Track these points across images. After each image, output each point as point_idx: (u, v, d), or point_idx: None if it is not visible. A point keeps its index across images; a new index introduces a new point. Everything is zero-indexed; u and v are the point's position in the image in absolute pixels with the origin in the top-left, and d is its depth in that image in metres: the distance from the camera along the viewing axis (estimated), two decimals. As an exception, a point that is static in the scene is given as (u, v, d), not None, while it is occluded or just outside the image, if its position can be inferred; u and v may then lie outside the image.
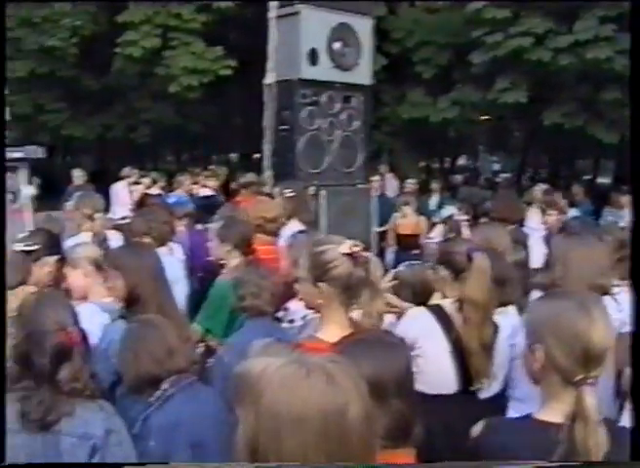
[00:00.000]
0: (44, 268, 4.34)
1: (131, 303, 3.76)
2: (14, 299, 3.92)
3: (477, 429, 2.32)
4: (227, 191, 13.20)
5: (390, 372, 2.22)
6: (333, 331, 2.87)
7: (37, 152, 8.50)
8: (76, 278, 4.36)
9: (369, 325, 2.90)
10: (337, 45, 9.08)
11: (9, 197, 9.14)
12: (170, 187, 13.92)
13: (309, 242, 3.14)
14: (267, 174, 9.16)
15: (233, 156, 33.83)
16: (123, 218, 8.59)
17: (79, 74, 21.59)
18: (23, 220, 8.18)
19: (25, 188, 8.71)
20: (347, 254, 2.90)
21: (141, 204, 7.77)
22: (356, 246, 2.94)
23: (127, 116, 22.65)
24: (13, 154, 8.30)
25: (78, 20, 20.08)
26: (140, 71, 19.52)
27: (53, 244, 4.57)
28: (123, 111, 22.59)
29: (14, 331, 3.00)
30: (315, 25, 8.86)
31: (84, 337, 2.94)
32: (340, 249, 2.90)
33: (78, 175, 14.48)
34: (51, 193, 14.44)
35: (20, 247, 4.22)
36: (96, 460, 2.80)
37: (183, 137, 26.47)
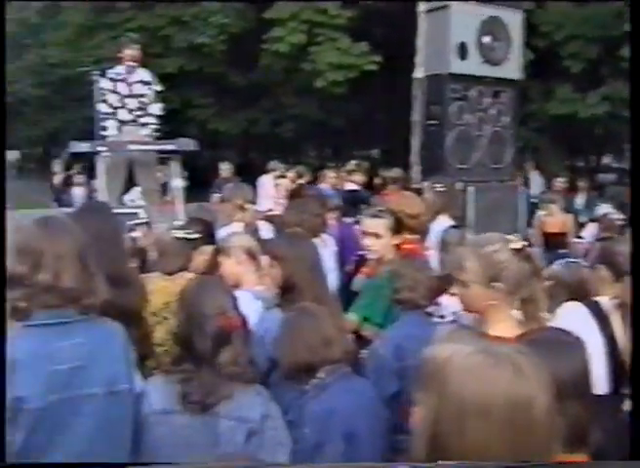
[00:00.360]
0: (201, 256, 4.45)
1: (287, 292, 3.79)
2: (173, 285, 4.05)
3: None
4: (371, 186, 13.18)
5: (568, 373, 2.13)
6: (502, 330, 2.81)
7: (189, 144, 8.77)
8: (229, 266, 4.45)
9: (537, 322, 2.83)
10: (486, 39, 8.94)
11: (157, 188, 9.48)
12: (314, 181, 14.02)
13: (473, 243, 3.07)
14: (415, 168, 9.12)
15: (374, 152, 33.86)
16: (268, 211, 8.76)
17: (226, 70, 22.11)
18: (175, 212, 8.45)
19: (176, 180, 8.99)
20: (517, 251, 2.83)
21: (296, 195, 7.85)
22: (522, 242, 2.88)
23: (272, 111, 23.03)
24: (166, 146, 8.59)
25: (226, 18, 20.54)
26: (286, 67, 19.78)
27: (208, 233, 4.68)
28: (268, 106, 22.98)
29: (176, 315, 3.07)
30: (465, 19, 8.75)
31: (244, 322, 2.99)
32: (511, 245, 2.84)
33: (225, 169, 14.78)
34: (198, 185, 14.82)
35: (180, 234, 4.34)
36: (252, 444, 2.83)
37: (326, 133, 26.70)
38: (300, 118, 22.87)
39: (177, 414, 2.86)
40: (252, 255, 4.50)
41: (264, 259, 4.02)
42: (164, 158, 9.52)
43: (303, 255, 3.89)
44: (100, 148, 8.45)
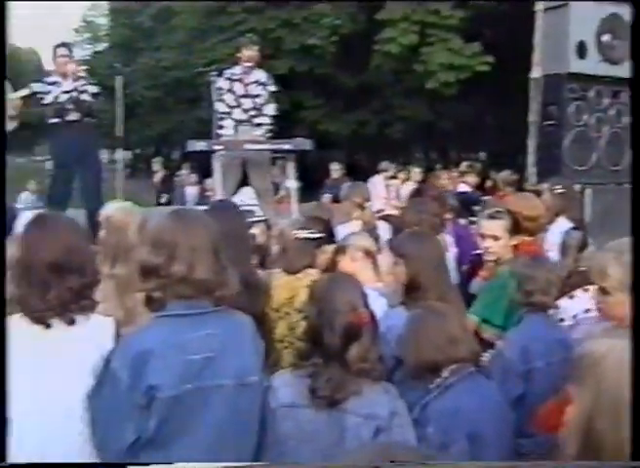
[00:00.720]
0: (324, 255, 4.49)
1: (411, 290, 3.79)
2: (296, 281, 4.11)
3: None
4: (482, 188, 13.06)
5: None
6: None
7: (305, 144, 8.83)
8: (346, 264, 4.47)
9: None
10: (606, 37, 8.73)
11: (271, 188, 9.59)
12: (424, 182, 13.98)
13: (615, 249, 3.00)
14: (530, 170, 8.98)
15: (481, 154, 33.44)
16: (380, 211, 8.75)
17: (336, 72, 22.23)
18: (290, 211, 8.53)
19: (291, 180, 9.08)
20: None
21: (418, 195, 7.83)
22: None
23: (381, 112, 23.03)
24: (282, 146, 8.69)
25: (337, 20, 20.67)
26: (397, 68, 19.76)
27: (328, 232, 4.72)
28: (378, 108, 23.00)
29: (305, 310, 3.10)
30: (584, 17, 8.58)
31: (373, 319, 2.99)
32: None
33: (336, 169, 14.86)
34: (307, 186, 14.93)
35: (304, 234, 4.39)
36: (379, 441, 2.82)
37: (435, 134, 26.54)
38: (410, 120, 22.79)
39: (303, 409, 2.88)
40: (369, 254, 4.52)
41: (389, 257, 4.02)
42: (277, 158, 9.65)
43: (429, 254, 3.88)
44: (216, 147, 8.60)
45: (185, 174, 18.11)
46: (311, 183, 15.43)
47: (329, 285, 3.07)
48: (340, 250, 4.58)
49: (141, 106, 37.17)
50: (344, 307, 2.89)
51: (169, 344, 2.67)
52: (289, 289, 4.14)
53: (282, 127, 21.36)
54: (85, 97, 8.52)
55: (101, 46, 52.67)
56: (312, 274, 4.20)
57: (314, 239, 4.40)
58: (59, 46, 8.95)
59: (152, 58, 36.11)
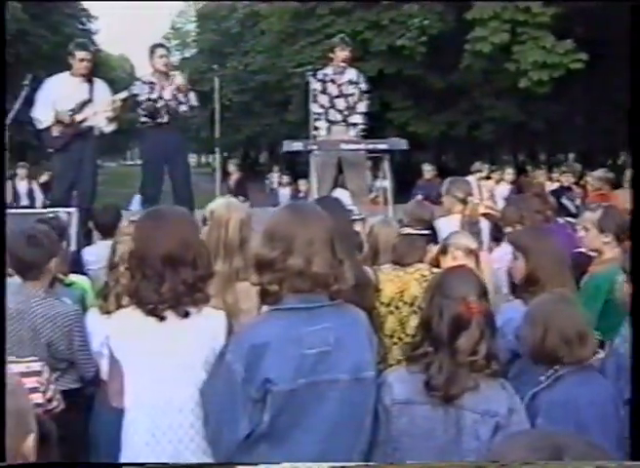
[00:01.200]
0: (431, 252, 4.47)
1: (530, 284, 3.72)
2: (406, 275, 4.08)
3: None
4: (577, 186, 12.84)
5: None
6: None
7: (400, 144, 8.80)
8: (449, 263, 4.41)
9: None
10: None
11: (366, 188, 9.58)
12: (517, 182, 13.83)
13: None
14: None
15: (570, 156, 32.87)
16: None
17: (425, 73, 22.13)
18: (386, 211, 8.49)
19: (386, 180, 9.05)
20: None
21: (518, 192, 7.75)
22: None
23: (471, 113, 22.81)
24: (377, 146, 8.66)
25: (426, 20, 20.56)
26: (487, 68, 19.54)
27: (428, 228, 4.69)
28: (467, 109, 22.79)
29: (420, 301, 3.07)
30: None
31: (487, 313, 2.91)
32: None
33: (428, 170, 14.76)
34: (398, 187, 14.86)
35: (408, 231, 4.37)
36: (497, 439, 2.75)
37: (525, 135, 26.18)
38: (499, 120, 22.51)
39: (419, 406, 2.83)
40: (471, 253, 4.48)
41: (508, 250, 3.97)
42: (372, 158, 9.63)
43: (549, 249, 3.81)
44: (312, 147, 8.64)
45: (277, 175, 18.28)
46: (401, 184, 15.35)
47: (446, 274, 3.04)
48: (442, 249, 4.54)
49: (230, 110, 37.73)
50: (456, 296, 2.83)
51: (285, 338, 2.66)
52: (399, 283, 4.12)
53: (371, 129, 21.44)
54: (182, 98, 8.63)
55: (190, 52, 53.67)
56: (422, 268, 4.15)
57: (422, 235, 4.38)
58: (157, 46, 9.12)
59: (240, 62, 36.61)
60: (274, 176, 19.03)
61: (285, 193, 16.38)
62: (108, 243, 4.99)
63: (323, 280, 2.70)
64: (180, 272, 2.90)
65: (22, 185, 15.27)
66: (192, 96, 8.76)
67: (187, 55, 53.70)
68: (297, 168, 24.93)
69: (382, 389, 2.89)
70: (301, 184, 14.53)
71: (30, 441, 1.92)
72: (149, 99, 8.53)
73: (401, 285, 4.06)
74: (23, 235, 4.00)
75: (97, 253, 5.65)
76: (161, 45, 9.48)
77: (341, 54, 9.27)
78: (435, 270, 4.16)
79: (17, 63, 24.70)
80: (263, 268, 2.74)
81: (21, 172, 15.25)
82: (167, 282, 2.88)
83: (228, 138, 41.33)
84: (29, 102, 8.49)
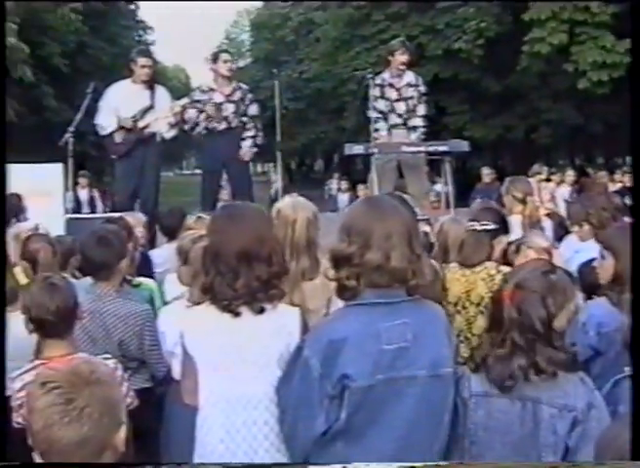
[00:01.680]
0: (500, 246, 4.40)
1: (616, 283, 3.64)
2: (473, 275, 4.02)
3: None
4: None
5: None
6: None
7: (462, 146, 8.74)
8: (521, 261, 4.35)
9: None
10: None
11: (426, 191, 9.51)
12: (577, 184, 13.69)
13: None
14: None
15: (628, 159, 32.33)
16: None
17: (481, 76, 21.98)
18: (448, 214, 8.42)
19: (447, 182, 8.99)
20: None
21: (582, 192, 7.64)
22: None
23: (528, 117, 22.59)
24: (438, 148, 8.60)
25: (482, 22, 20.42)
26: (544, 70, 19.33)
27: (503, 222, 4.60)
28: (524, 112, 22.57)
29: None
30: None
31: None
32: None
33: (487, 173, 14.69)
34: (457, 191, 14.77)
35: (477, 226, 4.30)
36: (575, 434, 2.68)
37: (583, 137, 25.83)
38: (556, 123, 22.25)
39: (496, 398, 2.78)
40: (544, 252, 4.40)
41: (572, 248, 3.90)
42: (431, 161, 9.57)
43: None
44: (373, 150, 8.61)
45: (335, 182, 18.36)
46: (459, 189, 15.24)
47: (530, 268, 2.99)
48: (515, 248, 4.47)
49: (285, 118, 37.88)
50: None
51: (363, 333, 2.63)
52: (466, 283, 4.07)
53: (428, 133, 21.36)
54: (244, 104, 8.66)
55: (244, 61, 54.10)
56: (489, 267, 4.09)
57: (490, 231, 4.30)
58: (221, 51, 9.29)
59: (295, 70, 36.74)
60: (333, 183, 19.10)
61: (344, 199, 16.44)
62: (173, 246, 5.04)
63: (401, 274, 2.66)
64: (254, 268, 2.88)
65: (84, 193, 15.61)
66: (254, 105, 8.79)
67: (242, 64, 54.18)
68: (354, 173, 25.01)
69: (461, 382, 2.85)
70: (360, 189, 14.54)
71: (122, 432, 1.92)
72: (212, 104, 8.56)
73: (468, 285, 4.03)
74: (94, 236, 4.04)
75: (163, 256, 5.71)
76: (225, 50, 9.57)
77: (401, 58, 9.26)
78: (503, 268, 4.10)
79: (76, 75, 25.14)
80: (341, 263, 2.71)
81: (83, 180, 15.60)
82: (241, 278, 2.87)
83: (284, 146, 41.54)
84: (90, 112, 8.62)
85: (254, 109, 8.79)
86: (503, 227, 4.51)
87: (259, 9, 53.94)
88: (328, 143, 34.66)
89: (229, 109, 8.64)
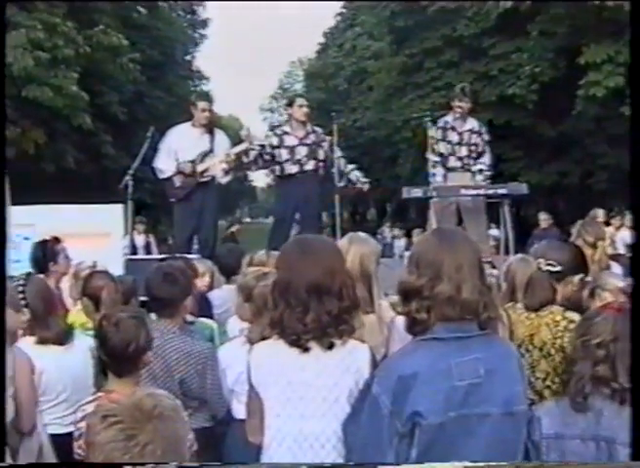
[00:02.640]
0: (567, 287, 4.27)
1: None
2: (537, 319, 3.96)
3: None
4: None
5: None
6: None
7: (521, 189, 8.65)
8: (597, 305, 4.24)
9: None
10: None
11: (486, 235, 9.40)
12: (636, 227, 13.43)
13: None
14: None
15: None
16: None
17: (535, 122, 21.89)
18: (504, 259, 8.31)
19: (507, 226, 8.88)
20: None
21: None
22: None
23: (583, 162, 22.39)
24: (497, 191, 8.52)
25: (537, 67, 20.38)
26: (601, 113, 19.18)
27: (577, 262, 4.48)
28: (579, 157, 22.38)
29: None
30: None
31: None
32: None
33: (544, 219, 14.57)
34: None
35: (542, 265, 4.20)
36: None
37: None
38: (613, 168, 22.00)
39: (568, 440, 2.73)
40: (620, 292, 4.28)
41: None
42: (489, 205, 9.48)
43: None
44: (431, 193, 8.59)
45: (388, 229, 18.37)
46: (516, 234, 15.10)
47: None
48: (590, 292, 4.35)
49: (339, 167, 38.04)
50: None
51: (435, 369, 2.56)
52: (530, 326, 3.97)
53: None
54: (319, 149, 8.72)
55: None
56: (555, 312, 3.99)
57: (556, 271, 4.19)
58: (297, 96, 9.78)
59: (348, 118, 36.98)
60: (385, 230, 19.09)
61: (400, 245, 16.41)
62: (232, 287, 5.03)
63: (473, 307, 2.60)
64: (325, 302, 2.84)
65: (140, 239, 15.78)
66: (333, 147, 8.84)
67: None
68: (407, 221, 24.93)
69: (531, 424, 2.79)
70: (416, 234, 14.51)
71: None
72: (286, 147, 8.64)
73: (532, 328, 3.93)
74: (160, 271, 4.05)
75: (222, 297, 5.71)
76: (301, 95, 9.74)
77: (461, 104, 9.34)
78: (569, 315, 3.99)
79: (133, 123, 25.60)
80: (410, 296, 2.65)
81: (140, 226, 15.80)
82: (311, 312, 2.82)
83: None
84: (148, 158, 8.73)
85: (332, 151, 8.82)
86: (574, 267, 4.38)
87: (311, 59, 54.89)
88: (381, 191, 34.64)
89: (302, 152, 8.70)
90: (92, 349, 3.52)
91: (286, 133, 8.83)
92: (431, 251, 2.68)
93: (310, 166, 8.73)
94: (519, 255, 5.58)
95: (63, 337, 4.03)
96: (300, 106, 8.82)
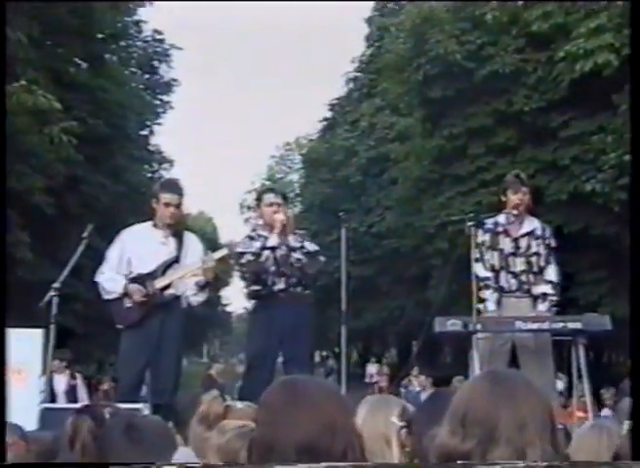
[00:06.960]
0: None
1: None
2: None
3: None
4: None
5: None
6: None
7: (603, 323, 8.57)
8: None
9: None
10: None
11: (555, 386, 9.34)
12: None
13: None
14: None
15: None
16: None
17: (623, 230, 22.01)
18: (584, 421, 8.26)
19: (582, 374, 8.81)
20: None
21: None
22: None
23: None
24: (568, 325, 8.46)
25: (626, 154, 20.61)
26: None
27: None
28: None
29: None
30: None
31: None
32: None
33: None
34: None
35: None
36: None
37: None
38: None
39: None
40: None
41: None
42: (557, 344, 9.39)
43: None
44: (475, 327, 8.46)
45: (415, 378, 18.30)
46: (595, 383, 14.99)
47: None
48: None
49: (346, 289, 37.99)
50: None
51: None
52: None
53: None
54: (297, 255, 8.73)
55: (291, 210, 55.15)
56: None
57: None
58: (266, 191, 9.52)
59: (362, 222, 37.00)
60: (413, 381, 18.97)
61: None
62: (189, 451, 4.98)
63: None
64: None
65: (62, 381, 15.25)
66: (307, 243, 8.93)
67: (289, 213, 55.07)
68: (440, 368, 24.50)
69: None
70: (456, 382, 14.46)
71: None
72: (265, 250, 8.72)
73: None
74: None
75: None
76: (272, 189, 9.78)
77: (515, 197, 9.18)
78: None
79: (62, 219, 25.14)
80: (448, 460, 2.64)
81: (58, 365, 14.94)
82: None
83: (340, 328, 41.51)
84: (80, 268, 8.65)
85: (313, 266, 8.90)
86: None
87: (312, 141, 54.60)
88: (405, 323, 34.34)
89: (277, 261, 8.81)
90: None
91: (264, 236, 8.94)
92: (481, 403, 2.67)
93: (283, 285, 8.87)
94: (590, 423, 5.57)
95: None
96: (270, 204, 8.98)
